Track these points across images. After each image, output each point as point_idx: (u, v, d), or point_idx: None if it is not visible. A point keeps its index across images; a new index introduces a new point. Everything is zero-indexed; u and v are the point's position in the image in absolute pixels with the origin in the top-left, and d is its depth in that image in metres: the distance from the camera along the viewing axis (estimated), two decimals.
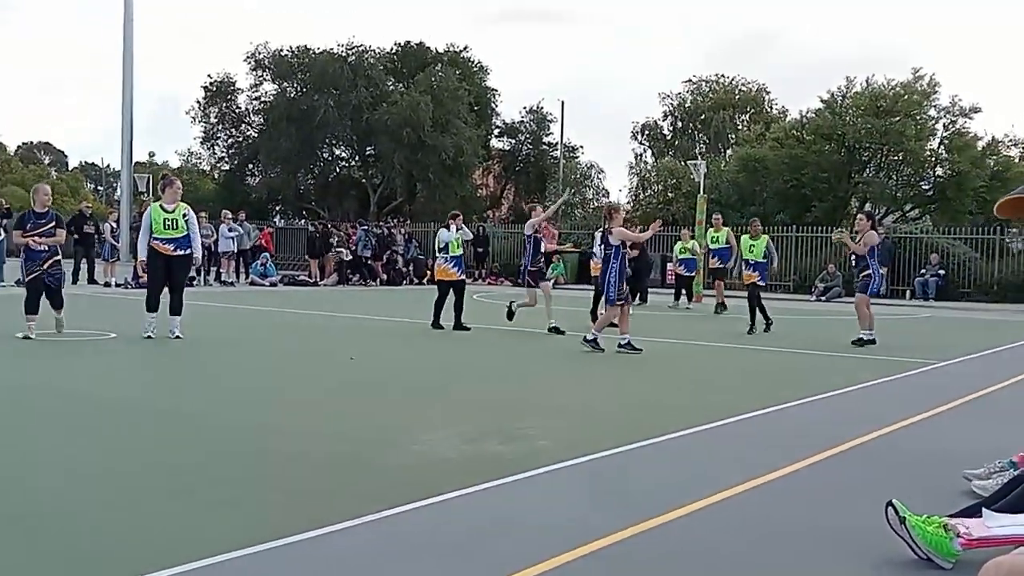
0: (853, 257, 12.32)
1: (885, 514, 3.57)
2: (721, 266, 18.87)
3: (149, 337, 10.05)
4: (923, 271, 25.34)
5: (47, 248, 9.95)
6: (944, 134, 31.97)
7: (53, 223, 10.08)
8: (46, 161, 77.92)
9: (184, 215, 10.33)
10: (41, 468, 4.62)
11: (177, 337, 10.06)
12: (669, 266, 19.63)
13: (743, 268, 14.56)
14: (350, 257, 26.74)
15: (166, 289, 10.29)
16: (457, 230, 12.76)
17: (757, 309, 13.44)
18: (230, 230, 24.08)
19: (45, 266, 9.96)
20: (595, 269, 13.50)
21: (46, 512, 3.86)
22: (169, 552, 3.31)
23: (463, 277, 12.87)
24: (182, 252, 10.31)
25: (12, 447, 5.09)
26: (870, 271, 11.91)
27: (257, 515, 3.88)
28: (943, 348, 11.81)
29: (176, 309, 10.31)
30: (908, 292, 25.20)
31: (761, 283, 13.90)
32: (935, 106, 31.63)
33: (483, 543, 3.58)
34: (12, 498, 4.07)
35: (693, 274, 19.76)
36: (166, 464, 4.76)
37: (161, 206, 10.37)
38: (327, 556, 3.40)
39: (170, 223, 10.22)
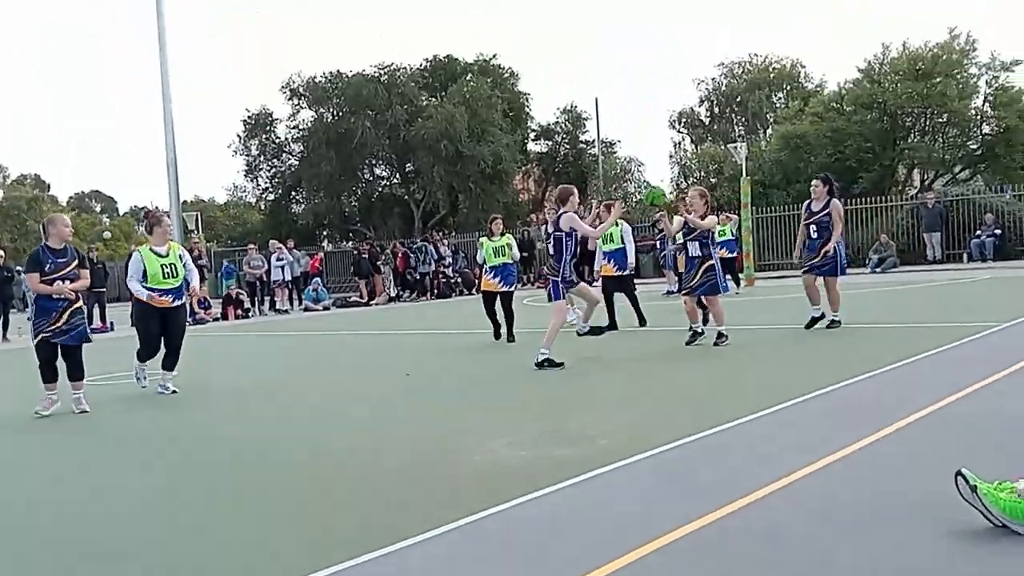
0: (813, 229, 10.70)
1: (955, 484, 3.54)
2: (730, 255, 18.92)
3: (144, 387, 8.91)
4: (978, 232, 24.79)
5: (65, 297, 7.81)
6: (987, 91, 31.27)
7: (75, 262, 7.95)
8: (97, 209, 79.78)
9: (181, 257, 8.82)
10: (111, 497, 4.77)
11: (173, 392, 8.67)
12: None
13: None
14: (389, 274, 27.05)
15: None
16: (500, 235, 12.04)
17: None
18: (278, 259, 24.47)
19: (62, 320, 7.81)
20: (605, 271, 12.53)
21: (129, 544, 4.00)
22: (259, 571, 3.42)
23: (505, 288, 11.89)
24: (179, 303, 8.74)
25: (82, 480, 5.26)
26: (831, 247, 10.56)
27: (329, 534, 3.96)
28: (1005, 310, 11.56)
29: (171, 365, 8.81)
30: (965, 255, 24.70)
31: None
32: (975, 63, 30.95)
33: (554, 544, 3.63)
34: (91, 532, 4.21)
35: (735, 255, 19.56)
36: (238, 489, 4.89)
37: (152, 250, 8.64)
38: (404, 570, 3.48)
39: (168, 270, 8.58)
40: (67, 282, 7.75)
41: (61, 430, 7.16)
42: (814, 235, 10.64)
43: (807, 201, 11.02)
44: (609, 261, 12.38)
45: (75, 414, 7.76)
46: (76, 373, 7.97)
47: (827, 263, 10.59)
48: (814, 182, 11.05)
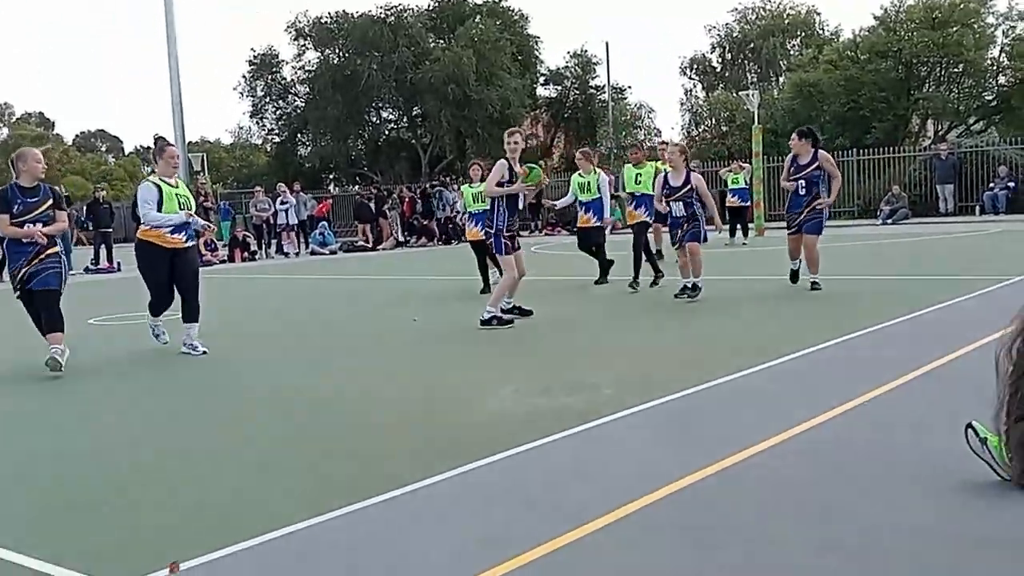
0: (802, 185, 9.76)
1: (965, 436, 3.50)
2: (742, 204, 18.84)
3: (165, 342, 8.04)
4: (992, 185, 24.55)
5: (36, 240, 6.96)
6: (1004, 41, 30.79)
7: (50, 202, 7.09)
8: (103, 148, 79.45)
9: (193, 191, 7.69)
10: (129, 446, 4.77)
11: (203, 353, 7.65)
12: (727, 199, 19.28)
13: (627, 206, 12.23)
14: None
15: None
16: (480, 180, 10.98)
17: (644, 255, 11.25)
18: (283, 203, 24.42)
19: (33, 264, 6.99)
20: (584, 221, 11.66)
21: (136, 486, 3.99)
22: (251, 522, 3.41)
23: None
24: (191, 243, 7.82)
25: (99, 425, 5.27)
26: (817, 203, 9.71)
27: (334, 480, 3.96)
28: (1017, 263, 11.45)
29: (192, 315, 7.77)
30: (977, 208, 24.49)
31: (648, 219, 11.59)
32: (992, 13, 30.44)
33: (559, 492, 3.61)
34: (103, 476, 4.22)
35: (748, 204, 19.42)
36: (240, 437, 4.89)
37: (162, 180, 7.63)
38: (406, 513, 3.46)
39: (184, 202, 7.67)
40: (40, 224, 6.97)
41: (65, 380, 7.15)
42: (802, 191, 9.72)
43: (789, 155, 10.10)
44: (587, 211, 11.61)
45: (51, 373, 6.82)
46: (51, 324, 7.02)
47: (814, 218, 9.71)
48: (793, 137, 10.04)
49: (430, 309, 10.43)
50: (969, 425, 3.50)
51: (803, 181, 9.73)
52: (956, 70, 30.74)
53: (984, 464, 3.44)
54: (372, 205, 27.60)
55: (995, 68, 31.20)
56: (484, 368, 6.62)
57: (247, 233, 25.05)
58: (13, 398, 6.34)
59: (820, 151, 9.80)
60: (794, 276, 10.11)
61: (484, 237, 10.10)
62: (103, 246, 21.14)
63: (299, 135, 42.62)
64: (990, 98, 31.75)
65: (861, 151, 27.52)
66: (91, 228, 22.71)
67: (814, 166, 9.72)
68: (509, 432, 4.49)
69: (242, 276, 18.02)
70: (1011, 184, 24.24)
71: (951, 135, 31.76)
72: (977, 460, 3.45)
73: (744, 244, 18.48)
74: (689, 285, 9.66)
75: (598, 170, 11.67)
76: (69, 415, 5.78)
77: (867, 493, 3.43)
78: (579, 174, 11.74)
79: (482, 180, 10.78)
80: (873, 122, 29.94)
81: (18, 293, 7.13)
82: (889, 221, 23.76)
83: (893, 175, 26.11)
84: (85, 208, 24.80)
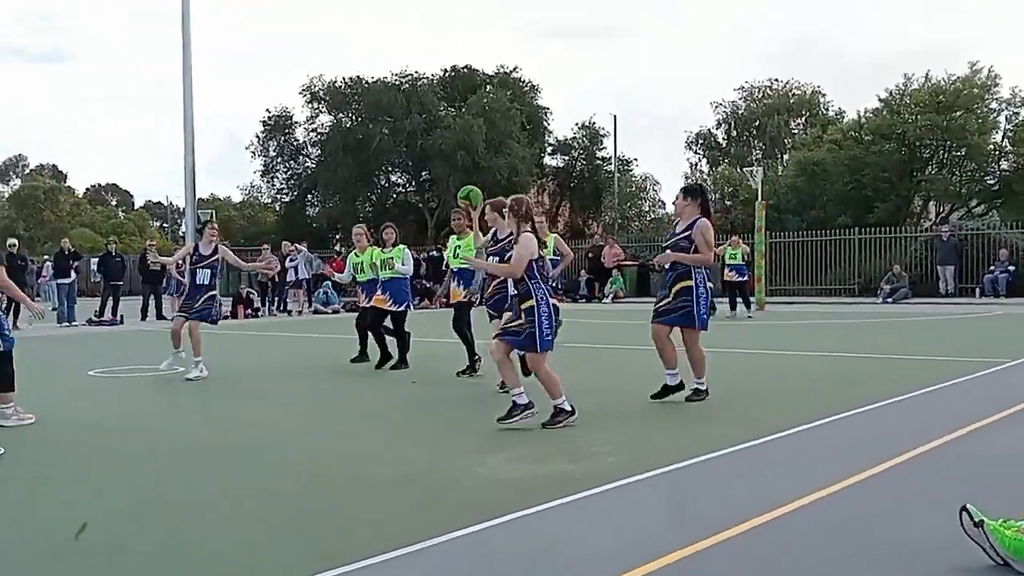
0: (658, 264, 7.90)
1: (959, 519, 3.51)
2: (740, 279, 19.01)
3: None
4: (992, 267, 24.70)
5: None
6: (1007, 127, 31.24)
7: None
8: (113, 202, 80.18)
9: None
10: (109, 496, 4.77)
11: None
12: (724, 273, 19.44)
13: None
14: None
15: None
16: (392, 246, 10.52)
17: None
18: (290, 260, 24.61)
19: None
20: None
21: (119, 538, 3.99)
22: None
23: (396, 307, 10.49)
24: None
25: (82, 477, 5.27)
26: (692, 284, 7.29)
27: (322, 541, 3.95)
28: (1016, 346, 11.49)
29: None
30: (977, 290, 24.58)
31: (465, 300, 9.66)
32: (996, 99, 30.94)
33: (549, 564, 3.61)
34: (91, 530, 4.22)
35: (745, 279, 19.54)
36: (229, 493, 4.88)
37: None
38: None
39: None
40: None
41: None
42: (668, 266, 7.51)
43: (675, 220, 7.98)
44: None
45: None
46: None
47: (679, 307, 7.31)
48: (677, 194, 7.81)
49: (429, 368, 10.44)
50: (964, 508, 3.51)
51: (670, 251, 7.44)
52: (959, 154, 31.13)
53: (976, 549, 3.44)
54: None
55: (997, 153, 31.60)
56: (484, 432, 6.62)
57: (251, 290, 25.15)
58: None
59: (702, 220, 7.38)
60: (666, 389, 7.51)
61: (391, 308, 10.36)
62: (111, 299, 21.27)
63: (309, 195, 43.07)
64: (992, 182, 32.10)
65: (863, 230, 27.73)
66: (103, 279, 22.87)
67: (684, 235, 7.41)
68: (505, 499, 4.49)
69: (244, 333, 18.05)
70: (1011, 267, 24.39)
71: (953, 217, 32.03)
72: (970, 544, 3.46)
73: (749, 317, 18.57)
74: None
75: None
76: (68, 467, 5.78)
77: (853, 571, 3.42)
78: (356, 253, 11.05)
79: (394, 245, 10.58)
80: (876, 202, 30.22)
81: None
82: (890, 300, 23.84)
83: (894, 255, 26.27)
84: (98, 261, 25.01)
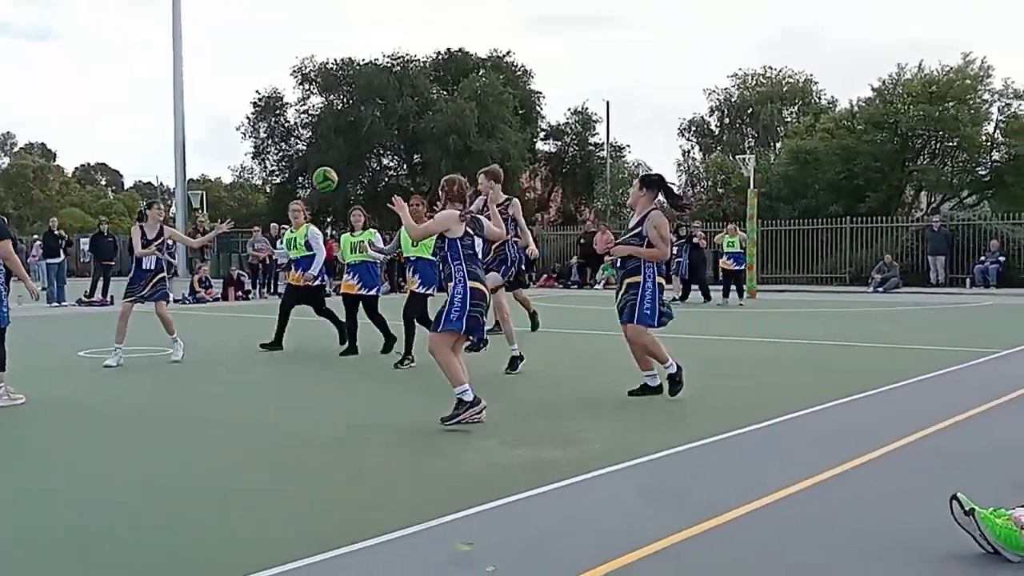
0: (612, 258, 7.46)
1: (950, 508, 3.51)
2: (737, 267, 19.06)
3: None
4: (983, 258, 24.79)
5: None
6: (999, 118, 31.32)
7: None
8: (103, 182, 79.74)
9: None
10: (109, 482, 4.75)
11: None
12: (721, 261, 19.46)
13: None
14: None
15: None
16: (363, 229, 10.45)
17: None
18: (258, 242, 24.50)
19: None
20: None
21: (116, 524, 3.97)
22: (230, 565, 3.39)
23: (366, 291, 10.56)
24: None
25: (83, 462, 5.24)
26: (640, 280, 6.92)
27: (312, 525, 3.94)
28: (1006, 336, 11.53)
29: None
30: (968, 280, 24.68)
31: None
32: (989, 90, 30.97)
33: (542, 548, 3.61)
34: (86, 514, 4.19)
35: (742, 267, 19.56)
36: (220, 474, 4.87)
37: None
38: (385, 564, 3.46)
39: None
40: None
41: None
42: (619, 262, 7.17)
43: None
44: (298, 268, 10.71)
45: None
46: None
47: (626, 302, 6.99)
48: (634, 184, 7.36)
49: (420, 352, 10.41)
50: (954, 497, 3.52)
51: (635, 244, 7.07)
52: (951, 144, 31.19)
53: (966, 537, 3.45)
54: None
55: (989, 144, 31.67)
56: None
57: (242, 272, 25.05)
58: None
59: (654, 212, 6.92)
60: (645, 389, 7.29)
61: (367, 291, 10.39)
62: (101, 279, 21.14)
63: (300, 178, 42.91)
64: (984, 173, 32.18)
65: (854, 219, 27.79)
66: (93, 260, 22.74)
67: (636, 230, 7.03)
68: (494, 484, 4.49)
69: (235, 315, 18.00)
70: (1001, 258, 24.49)
71: (944, 207, 32.12)
72: (960, 532, 3.46)
73: (741, 305, 18.60)
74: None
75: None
76: (56, 448, 5.75)
77: (844, 566, 3.43)
78: (291, 230, 10.86)
79: (364, 228, 10.46)
80: (867, 191, 30.27)
81: None
82: (881, 289, 23.91)
83: (885, 244, 26.34)
84: (89, 240, 24.85)
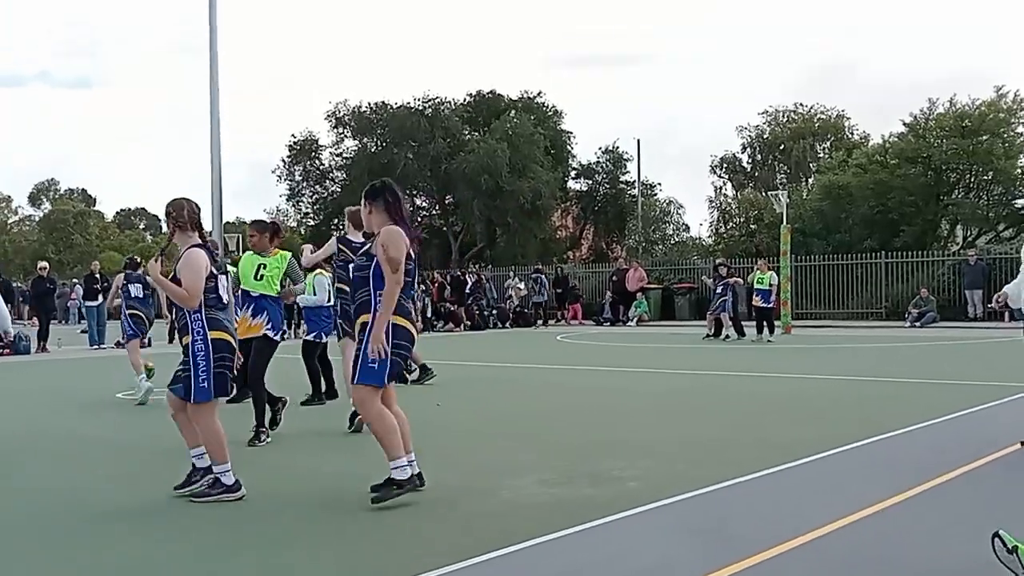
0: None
1: (992, 545, 3.47)
2: (765, 305, 18.95)
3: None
4: None
5: None
6: None
7: None
8: (141, 226, 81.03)
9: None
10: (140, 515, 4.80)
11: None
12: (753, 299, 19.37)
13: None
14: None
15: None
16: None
17: None
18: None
19: None
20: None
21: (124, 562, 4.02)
22: None
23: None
24: None
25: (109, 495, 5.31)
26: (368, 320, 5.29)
27: (347, 563, 3.96)
28: None
29: None
30: (1007, 315, 24.28)
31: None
32: (1022, 122, 30.70)
33: None
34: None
35: (771, 305, 19.42)
36: (254, 511, 4.91)
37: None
38: None
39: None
40: None
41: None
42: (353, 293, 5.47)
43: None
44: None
45: None
46: None
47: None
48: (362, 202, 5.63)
49: (454, 392, 10.46)
50: (996, 534, 3.48)
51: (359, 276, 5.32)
52: (986, 177, 30.89)
53: (1010, 574, 3.40)
54: None
55: None
56: (507, 455, 6.61)
57: None
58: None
59: (387, 228, 5.29)
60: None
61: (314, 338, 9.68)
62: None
63: (335, 220, 43.38)
64: (1020, 206, 31.78)
65: (890, 254, 27.54)
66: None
67: (363, 249, 5.78)
68: (528, 523, 4.49)
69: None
70: None
71: (980, 241, 31.73)
72: (1003, 570, 3.42)
73: (769, 342, 18.45)
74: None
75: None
76: (92, 485, 5.83)
77: None
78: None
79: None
80: (902, 225, 30.01)
81: None
82: (918, 324, 23.63)
83: (921, 278, 26.05)
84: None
